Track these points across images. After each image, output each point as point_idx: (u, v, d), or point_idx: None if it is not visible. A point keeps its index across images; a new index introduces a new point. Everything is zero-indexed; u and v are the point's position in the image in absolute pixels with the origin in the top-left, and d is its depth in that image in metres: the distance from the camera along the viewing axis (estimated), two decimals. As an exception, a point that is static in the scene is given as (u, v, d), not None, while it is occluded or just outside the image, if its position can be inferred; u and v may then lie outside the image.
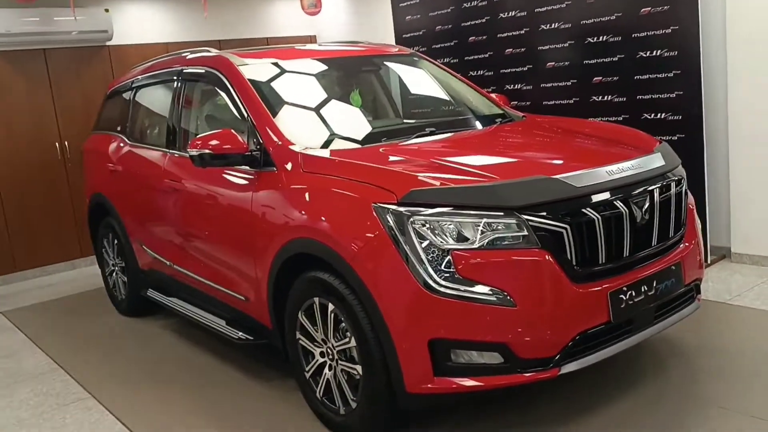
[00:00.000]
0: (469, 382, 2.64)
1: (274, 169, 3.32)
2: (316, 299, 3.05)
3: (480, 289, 2.56)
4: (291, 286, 3.19)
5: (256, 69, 3.87)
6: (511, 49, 5.95)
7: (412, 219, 2.63)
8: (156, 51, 6.45)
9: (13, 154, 6.83)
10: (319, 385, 3.14)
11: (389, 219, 2.66)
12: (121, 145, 4.97)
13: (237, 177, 3.56)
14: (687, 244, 3.11)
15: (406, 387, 2.69)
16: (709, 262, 4.98)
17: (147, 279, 4.83)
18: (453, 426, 3.07)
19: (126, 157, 4.87)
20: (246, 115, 3.56)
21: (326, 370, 3.10)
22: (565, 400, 3.18)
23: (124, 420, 3.51)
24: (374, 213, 2.71)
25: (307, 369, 3.22)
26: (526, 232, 2.59)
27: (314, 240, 2.95)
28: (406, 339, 2.65)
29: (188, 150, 3.44)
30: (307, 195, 3.08)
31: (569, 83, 5.56)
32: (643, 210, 2.84)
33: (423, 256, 2.59)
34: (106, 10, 6.99)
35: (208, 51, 4.17)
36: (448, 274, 2.58)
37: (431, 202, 2.64)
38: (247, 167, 3.46)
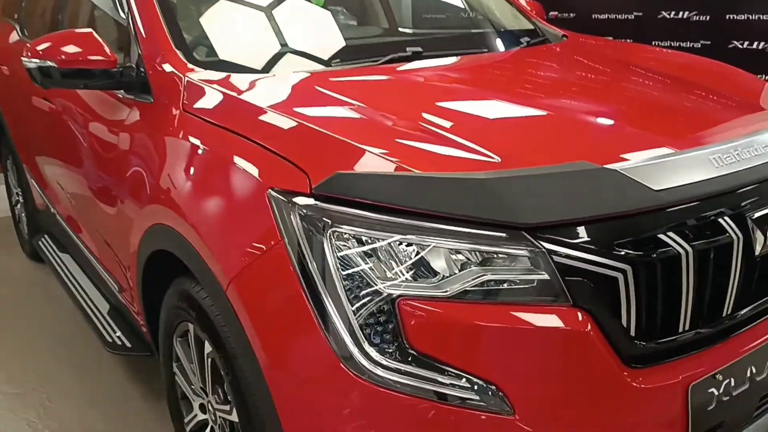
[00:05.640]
0: None
1: (151, 99, 2.07)
2: (191, 326, 1.86)
3: (449, 378, 1.34)
4: (165, 289, 2.00)
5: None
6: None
7: (333, 228, 1.38)
8: None
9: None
10: (200, 451, 2.00)
11: (294, 221, 1.42)
12: (16, 38, 3.69)
13: (110, 102, 2.31)
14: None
15: None
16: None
17: (44, 222, 3.67)
18: None
19: (16, 57, 3.59)
20: (126, 9, 2.27)
21: (207, 435, 1.96)
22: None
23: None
24: (270, 207, 1.46)
25: (185, 420, 2.07)
26: (546, 275, 1.33)
27: (178, 234, 1.72)
28: (307, 445, 1.47)
29: (23, 59, 2.17)
30: (177, 154, 1.83)
31: (630, -9, 4.11)
32: (768, 233, 1.55)
33: (345, 302, 1.36)
34: None
35: None
36: (390, 343, 1.35)
37: (371, 199, 1.38)
38: (123, 91, 2.22)
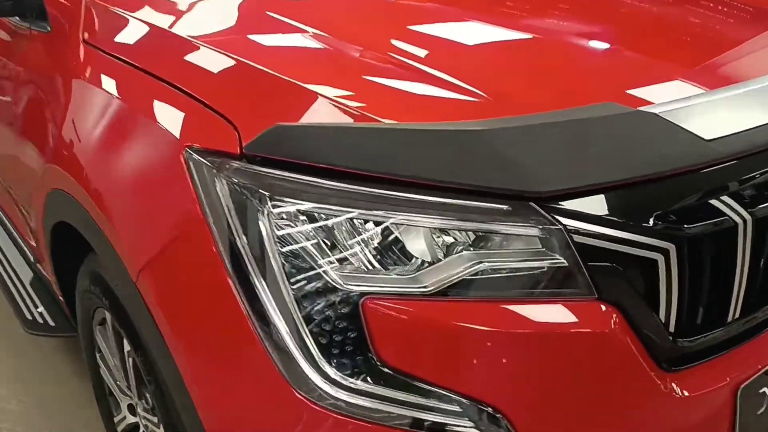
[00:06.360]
0: None
1: (48, 27, 1.64)
2: (108, 315, 1.49)
3: (432, 401, 1.00)
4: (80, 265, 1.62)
5: None
6: None
7: (273, 201, 1.01)
8: None
9: None
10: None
11: (220, 192, 1.04)
12: None
13: (2, 32, 1.89)
14: None
15: None
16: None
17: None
18: None
19: None
20: None
21: (138, 440, 1.62)
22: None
23: None
24: (188, 172, 1.08)
25: (115, 420, 1.73)
26: (563, 260, 0.98)
27: (79, 204, 1.33)
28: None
29: None
30: (75, 100, 1.43)
31: None
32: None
33: (291, 301, 1.00)
34: None
35: None
36: (352, 357, 1.00)
37: (324, 161, 1.00)
38: (17, 18, 1.79)
